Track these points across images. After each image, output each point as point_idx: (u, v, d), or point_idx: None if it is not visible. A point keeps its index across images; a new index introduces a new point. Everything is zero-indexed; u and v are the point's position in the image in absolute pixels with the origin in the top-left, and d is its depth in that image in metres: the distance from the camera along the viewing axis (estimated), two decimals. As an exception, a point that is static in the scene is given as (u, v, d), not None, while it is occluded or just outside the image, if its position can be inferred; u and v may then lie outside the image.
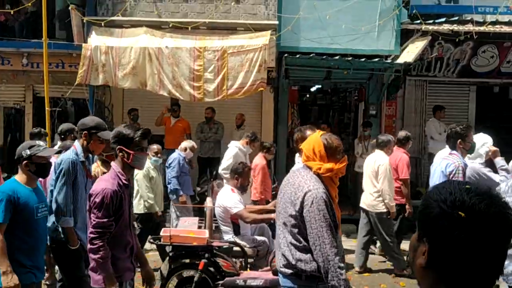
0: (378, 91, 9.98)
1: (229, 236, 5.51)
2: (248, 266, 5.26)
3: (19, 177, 3.62)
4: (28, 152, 3.54)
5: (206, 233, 5.05)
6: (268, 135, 9.75)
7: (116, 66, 8.63)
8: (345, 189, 9.25)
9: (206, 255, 4.80)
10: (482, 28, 9.17)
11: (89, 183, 4.10)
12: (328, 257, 2.88)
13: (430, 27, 9.14)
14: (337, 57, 9.01)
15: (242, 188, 5.79)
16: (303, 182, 3.01)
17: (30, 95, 10.47)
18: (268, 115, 10.02)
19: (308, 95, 13.17)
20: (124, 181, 3.27)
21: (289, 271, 3.04)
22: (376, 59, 9.10)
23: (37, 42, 8.76)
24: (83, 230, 4.01)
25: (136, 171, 6.16)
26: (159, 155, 6.98)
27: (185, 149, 7.66)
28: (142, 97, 9.91)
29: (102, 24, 8.88)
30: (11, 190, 3.47)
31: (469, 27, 9.17)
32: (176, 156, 7.58)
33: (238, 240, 5.41)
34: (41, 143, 3.79)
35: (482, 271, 1.14)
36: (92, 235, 3.12)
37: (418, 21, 9.27)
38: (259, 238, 5.64)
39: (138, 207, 6.58)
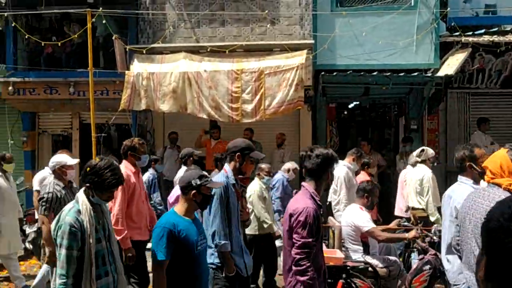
0: (419, 105, 9.82)
1: (358, 256, 5.26)
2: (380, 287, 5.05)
3: (179, 208, 3.41)
4: (198, 182, 3.38)
5: (338, 253, 4.90)
6: (307, 154, 9.73)
7: (157, 91, 8.93)
8: (390, 206, 9.05)
9: (343, 275, 4.63)
10: (523, 38, 8.95)
11: (239, 205, 4.09)
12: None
13: (470, 39, 8.99)
14: (375, 73, 8.96)
15: (371, 207, 5.62)
16: (497, 195, 2.84)
17: (77, 122, 10.91)
18: (306, 133, 10.04)
19: (346, 112, 13.09)
20: (319, 202, 3.20)
21: None
22: (416, 73, 8.98)
23: (83, 71, 9.19)
24: (240, 254, 3.99)
25: (250, 192, 6.16)
26: (271, 174, 6.70)
27: (288, 170, 7.56)
28: (183, 121, 10.14)
29: (144, 52, 9.23)
30: (172, 224, 3.26)
31: (510, 38, 8.96)
32: (280, 177, 7.48)
33: (369, 260, 5.18)
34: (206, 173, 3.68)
35: None
36: (298, 256, 3.03)
37: (457, 33, 9.12)
38: (390, 257, 5.37)
39: (252, 228, 6.23)
